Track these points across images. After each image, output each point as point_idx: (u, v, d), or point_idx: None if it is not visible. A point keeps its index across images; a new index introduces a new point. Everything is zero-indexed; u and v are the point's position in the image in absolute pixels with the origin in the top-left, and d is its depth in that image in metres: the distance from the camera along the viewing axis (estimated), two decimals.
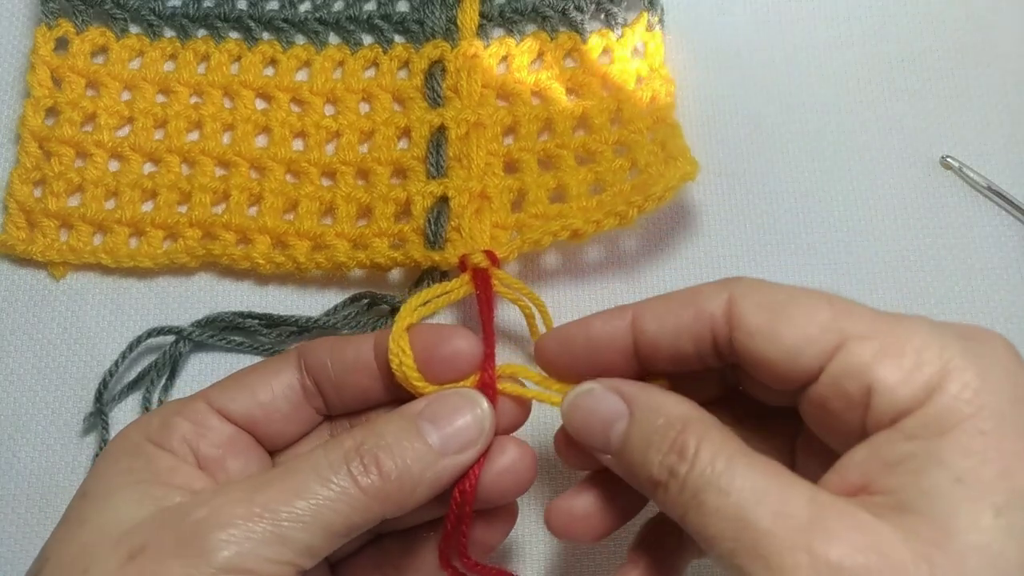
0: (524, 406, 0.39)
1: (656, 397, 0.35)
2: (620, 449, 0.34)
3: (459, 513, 0.36)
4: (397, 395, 0.38)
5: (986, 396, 0.30)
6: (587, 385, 0.36)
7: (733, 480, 0.30)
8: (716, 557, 0.31)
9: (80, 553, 0.32)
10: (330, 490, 0.33)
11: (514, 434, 0.39)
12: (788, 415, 0.35)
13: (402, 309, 0.39)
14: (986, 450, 0.29)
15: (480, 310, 0.41)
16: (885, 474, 0.30)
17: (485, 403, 0.37)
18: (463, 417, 0.36)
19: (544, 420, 0.45)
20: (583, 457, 0.37)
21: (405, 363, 0.37)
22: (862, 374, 0.31)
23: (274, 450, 0.40)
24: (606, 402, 0.35)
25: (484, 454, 0.37)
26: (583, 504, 0.38)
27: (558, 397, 0.38)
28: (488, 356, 0.38)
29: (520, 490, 0.38)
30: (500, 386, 0.38)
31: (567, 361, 0.38)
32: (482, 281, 0.43)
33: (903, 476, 0.30)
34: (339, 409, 0.40)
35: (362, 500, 0.34)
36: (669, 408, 0.34)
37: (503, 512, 0.39)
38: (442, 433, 0.36)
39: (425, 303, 0.41)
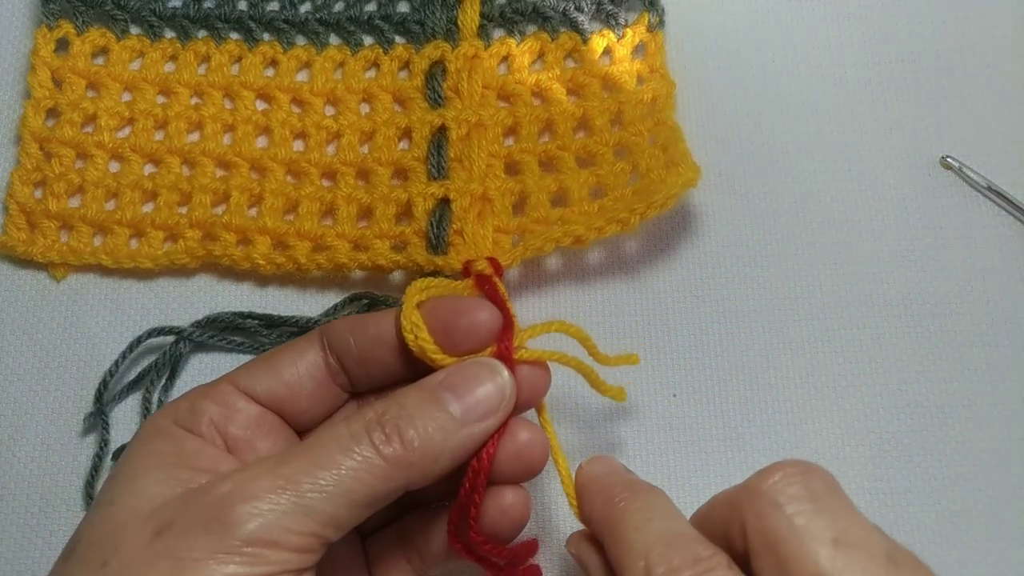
0: (543, 375, 0.39)
1: None
2: None
3: (473, 482, 0.36)
4: (420, 369, 0.39)
5: None
6: None
7: None
8: None
9: (111, 532, 0.33)
10: (352, 460, 0.33)
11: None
12: None
13: (409, 288, 0.40)
14: None
15: (491, 298, 0.41)
16: None
17: (505, 371, 0.37)
18: (483, 386, 0.37)
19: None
20: None
21: (421, 336, 0.38)
22: None
23: (302, 430, 0.40)
24: None
25: (504, 424, 0.37)
26: None
27: (575, 359, 0.39)
28: (507, 326, 0.39)
29: (535, 468, 0.38)
30: (517, 355, 0.38)
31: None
32: (488, 285, 0.43)
33: None
34: (364, 386, 0.40)
35: (384, 469, 0.34)
36: None
37: (516, 501, 0.39)
38: (463, 402, 0.36)
39: (431, 287, 0.41)
